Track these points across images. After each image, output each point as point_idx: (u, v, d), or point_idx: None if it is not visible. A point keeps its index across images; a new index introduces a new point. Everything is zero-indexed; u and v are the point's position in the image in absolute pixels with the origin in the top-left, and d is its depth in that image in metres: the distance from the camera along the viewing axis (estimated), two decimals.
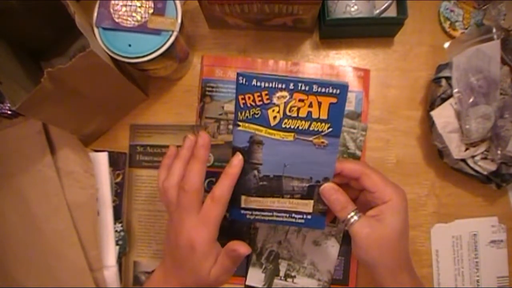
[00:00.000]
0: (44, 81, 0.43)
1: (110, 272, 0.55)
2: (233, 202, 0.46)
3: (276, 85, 0.41)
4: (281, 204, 0.46)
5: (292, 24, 0.59)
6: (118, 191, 0.59)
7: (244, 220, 0.47)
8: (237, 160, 0.44)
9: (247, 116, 0.43)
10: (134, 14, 0.50)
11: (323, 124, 0.43)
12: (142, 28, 0.49)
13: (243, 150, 0.44)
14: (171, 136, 0.60)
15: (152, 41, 0.49)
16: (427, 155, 0.60)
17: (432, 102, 0.56)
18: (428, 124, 0.57)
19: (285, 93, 0.42)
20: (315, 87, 0.41)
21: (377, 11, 0.59)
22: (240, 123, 0.43)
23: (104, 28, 0.50)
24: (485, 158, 0.55)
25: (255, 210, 0.47)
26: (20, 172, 0.55)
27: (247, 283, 0.58)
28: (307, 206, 0.46)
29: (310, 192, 0.46)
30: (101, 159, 0.57)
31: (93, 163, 0.55)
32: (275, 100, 0.42)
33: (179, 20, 0.50)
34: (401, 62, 0.62)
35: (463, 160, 0.55)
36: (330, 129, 0.43)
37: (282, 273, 0.57)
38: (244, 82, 0.41)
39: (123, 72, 0.52)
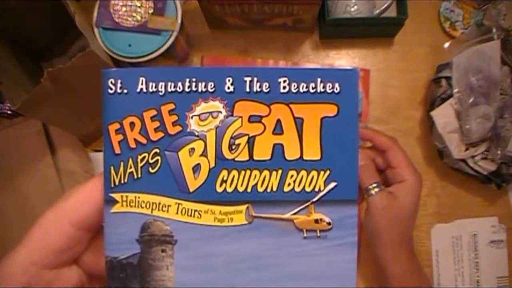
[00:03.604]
0: (44, 81, 0.43)
1: None
2: None
3: (194, 87, 0.20)
4: None
5: (292, 24, 0.59)
6: None
7: None
8: None
9: (131, 175, 0.21)
10: (134, 14, 0.50)
11: (315, 172, 0.21)
12: (142, 28, 0.49)
13: (128, 266, 0.21)
14: None
15: (152, 41, 0.49)
16: (427, 155, 0.60)
17: (432, 102, 0.56)
18: (428, 124, 0.57)
19: (215, 104, 0.20)
20: (284, 84, 0.20)
21: (377, 11, 0.59)
22: (117, 196, 0.21)
23: (104, 28, 0.50)
24: (485, 158, 0.55)
25: None
26: (20, 172, 0.55)
27: None
28: None
29: None
30: (101, 159, 0.57)
31: (93, 163, 0.55)
32: (193, 125, 0.20)
33: (179, 20, 0.50)
34: (401, 62, 0.62)
35: (463, 160, 0.55)
36: (333, 184, 0.21)
37: None
38: (118, 89, 0.20)
39: None
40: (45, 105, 0.47)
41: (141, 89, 0.20)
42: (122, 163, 0.21)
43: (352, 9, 0.57)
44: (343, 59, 0.62)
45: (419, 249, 0.58)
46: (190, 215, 0.20)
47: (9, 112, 0.57)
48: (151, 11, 0.50)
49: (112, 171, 0.21)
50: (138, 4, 0.50)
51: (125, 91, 0.20)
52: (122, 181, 0.21)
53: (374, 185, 0.44)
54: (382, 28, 0.61)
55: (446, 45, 0.60)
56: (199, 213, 0.20)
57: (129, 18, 0.50)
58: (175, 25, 0.49)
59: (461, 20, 0.61)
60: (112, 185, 0.21)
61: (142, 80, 0.20)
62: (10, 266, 0.22)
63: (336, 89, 0.20)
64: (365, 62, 0.62)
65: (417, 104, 0.61)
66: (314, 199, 0.20)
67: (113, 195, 0.21)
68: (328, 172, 0.20)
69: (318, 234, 0.20)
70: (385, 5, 0.59)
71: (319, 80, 0.20)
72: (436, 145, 0.56)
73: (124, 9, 0.50)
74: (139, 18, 0.50)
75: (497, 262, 0.58)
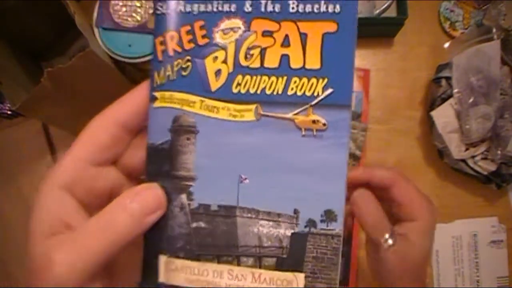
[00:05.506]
0: (44, 81, 0.43)
1: None
2: (145, 269, 0.25)
3: (220, 8, 0.24)
4: (235, 282, 0.24)
5: None
6: None
7: None
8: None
9: (168, 77, 0.25)
10: (134, 14, 0.50)
11: (314, 79, 0.24)
12: (142, 28, 0.49)
13: (161, 150, 0.26)
14: None
15: (152, 41, 0.49)
16: (427, 155, 0.60)
17: (432, 102, 0.56)
18: (428, 124, 0.57)
19: (236, 21, 0.24)
20: (292, 5, 0.24)
21: (377, 11, 0.59)
22: (158, 94, 0.25)
23: (104, 28, 0.50)
24: (485, 158, 0.55)
25: None
26: (20, 172, 0.55)
27: None
28: (291, 283, 0.24)
29: (296, 252, 0.24)
30: None
31: None
32: (218, 38, 0.25)
33: None
34: (401, 62, 0.62)
35: (463, 160, 0.55)
36: (330, 90, 0.24)
37: None
38: (163, 11, 0.25)
39: (123, 72, 0.52)
40: (45, 105, 0.47)
41: (180, 10, 0.25)
42: (163, 68, 0.25)
43: None
44: None
45: None
46: (210, 110, 0.25)
47: (9, 112, 0.57)
48: (151, 11, 0.50)
49: (155, 75, 0.25)
50: (138, 4, 0.50)
51: (168, 11, 0.25)
52: (162, 82, 0.25)
53: (387, 236, 0.36)
54: (382, 28, 0.61)
55: (446, 45, 0.60)
56: (217, 109, 0.25)
57: (129, 18, 0.50)
58: None
59: (461, 20, 0.61)
60: (155, 85, 0.25)
61: (181, 3, 0.25)
62: (65, 159, 0.25)
63: (337, 9, 0.23)
64: (365, 62, 0.62)
65: (417, 104, 0.61)
66: (313, 102, 0.24)
67: (155, 93, 0.25)
68: (326, 79, 0.24)
69: (315, 133, 0.24)
70: (385, 5, 0.59)
71: (322, 2, 0.24)
72: (436, 145, 0.56)
73: (124, 9, 0.50)
74: (139, 18, 0.50)
75: (497, 262, 0.58)
